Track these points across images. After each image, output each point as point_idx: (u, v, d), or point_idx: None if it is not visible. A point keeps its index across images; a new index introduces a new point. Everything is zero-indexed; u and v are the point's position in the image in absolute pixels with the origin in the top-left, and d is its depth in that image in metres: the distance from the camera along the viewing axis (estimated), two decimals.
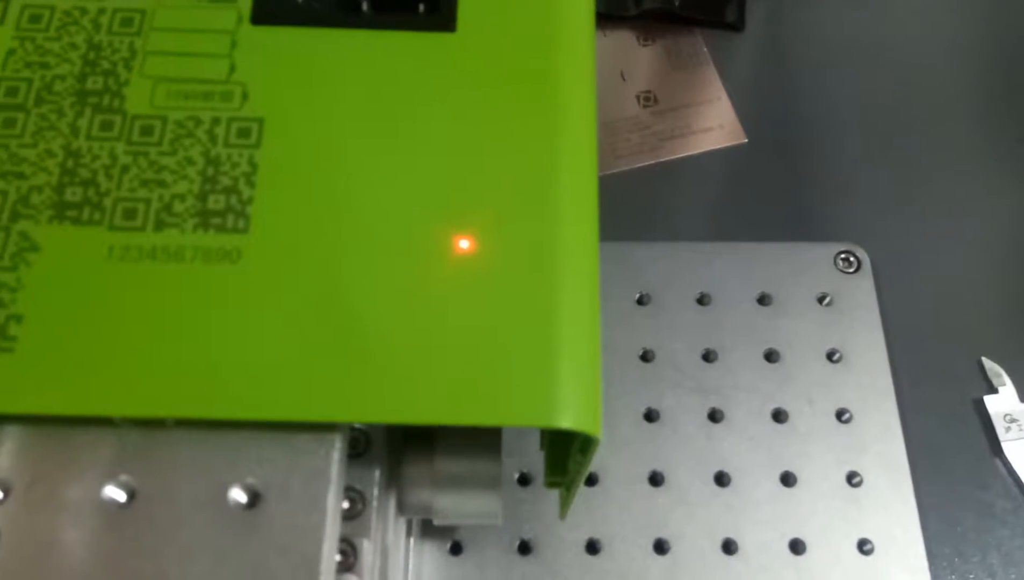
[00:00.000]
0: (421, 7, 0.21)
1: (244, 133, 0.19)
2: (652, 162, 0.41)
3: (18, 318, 0.18)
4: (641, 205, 0.40)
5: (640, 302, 0.36)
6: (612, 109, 0.43)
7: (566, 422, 0.17)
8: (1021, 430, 0.34)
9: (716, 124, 0.42)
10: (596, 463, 0.32)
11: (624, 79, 0.44)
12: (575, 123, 0.20)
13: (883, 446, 0.33)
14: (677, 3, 0.44)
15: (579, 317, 0.18)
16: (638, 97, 0.43)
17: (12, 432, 0.18)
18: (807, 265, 0.37)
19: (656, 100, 0.43)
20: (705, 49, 0.44)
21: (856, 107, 0.42)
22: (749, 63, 0.44)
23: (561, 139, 0.20)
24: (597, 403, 0.18)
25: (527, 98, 0.20)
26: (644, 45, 0.45)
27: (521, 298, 0.18)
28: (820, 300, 0.36)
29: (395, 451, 0.23)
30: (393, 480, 0.23)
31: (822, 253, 0.37)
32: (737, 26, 0.44)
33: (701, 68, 0.44)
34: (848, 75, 0.43)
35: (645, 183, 0.40)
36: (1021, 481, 0.33)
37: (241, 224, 0.18)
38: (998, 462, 0.34)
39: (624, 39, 0.45)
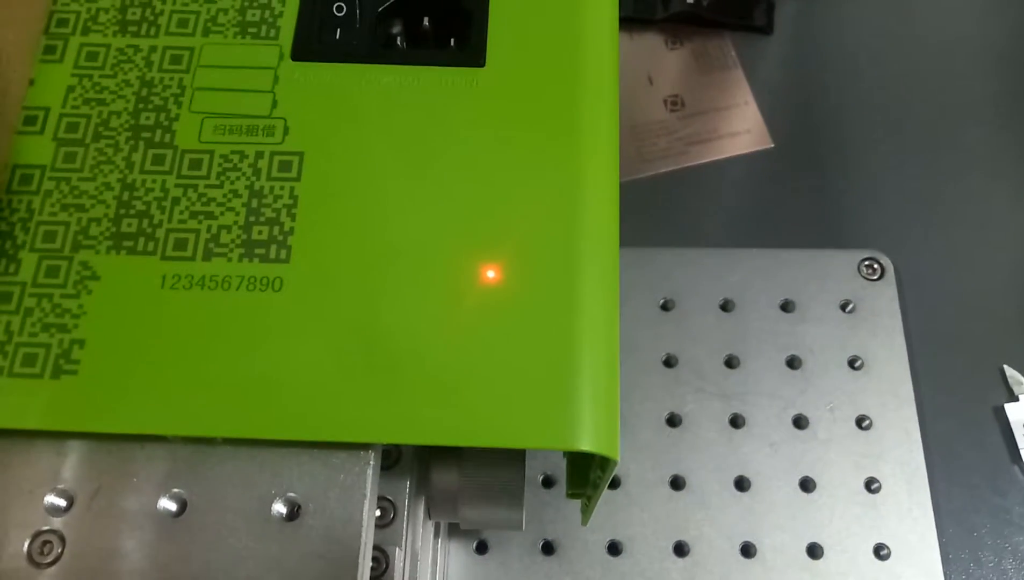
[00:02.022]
0: (452, 42, 0.22)
1: (285, 166, 0.21)
2: (678, 167, 0.42)
3: (81, 343, 0.19)
4: (667, 210, 0.41)
5: (664, 307, 0.37)
6: (639, 113, 0.43)
7: (585, 445, 0.18)
8: None
9: (743, 129, 0.43)
10: (618, 467, 0.33)
11: (651, 83, 0.44)
12: (598, 154, 0.21)
13: (902, 452, 0.34)
14: (705, 5, 0.44)
15: (599, 344, 0.19)
16: (665, 101, 0.44)
17: (76, 447, 0.19)
18: (831, 272, 0.38)
19: (683, 104, 0.44)
20: (733, 52, 0.45)
21: (882, 113, 0.42)
22: (777, 67, 0.44)
23: (585, 170, 0.21)
24: (615, 426, 0.19)
25: (553, 130, 0.21)
26: (672, 48, 0.45)
27: (544, 326, 0.19)
28: (843, 307, 0.37)
29: (424, 460, 0.24)
30: (422, 487, 0.24)
31: (846, 260, 0.38)
32: (766, 29, 0.45)
33: (729, 72, 0.44)
34: (875, 80, 0.43)
35: (671, 188, 0.41)
36: None
37: (283, 254, 0.20)
38: (1016, 469, 0.34)
39: (652, 42, 0.45)
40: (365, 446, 0.19)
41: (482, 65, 0.22)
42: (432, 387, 0.19)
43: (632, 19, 0.45)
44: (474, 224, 0.20)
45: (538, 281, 0.20)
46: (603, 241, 0.20)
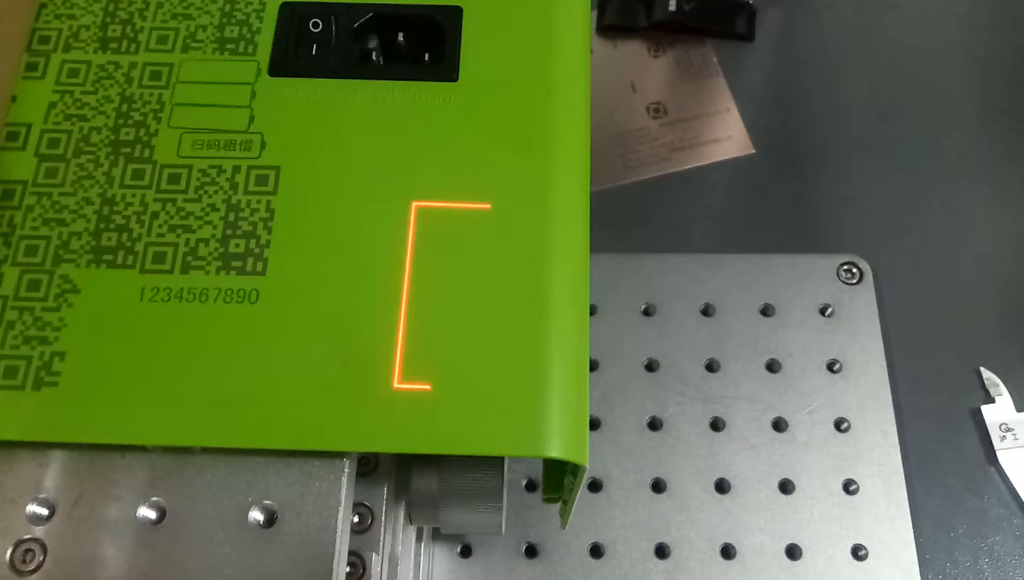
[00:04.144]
0: (426, 57, 0.23)
1: (262, 181, 0.21)
2: (661, 173, 0.42)
3: (61, 355, 0.20)
4: (649, 216, 0.41)
5: (646, 313, 0.37)
6: (622, 120, 0.44)
7: (554, 452, 0.19)
8: (1016, 439, 0.35)
9: (725, 135, 0.43)
10: (600, 470, 0.34)
11: (634, 90, 0.45)
12: (569, 166, 0.22)
13: (880, 454, 0.35)
14: (688, 13, 0.45)
15: (568, 354, 0.20)
16: (648, 108, 0.44)
17: (57, 457, 0.20)
18: (810, 276, 0.38)
19: (666, 111, 0.44)
20: (715, 60, 0.45)
21: (862, 119, 0.43)
22: (759, 74, 0.45)
23: (555, 182, 0.21)
24: (584, 433, 0.20)
25: (525, 143, 0.22)
26: (655, 56, 0.46)
27: (515, 337, 0.20)
28: (822, 311, 0.37)
29: (403, 465, 0.24)
30: (402, 493, 0.24)
31: (825, 264, 0.38)
32: (748, 37, 0.45)
33: (711, 79, 0.45)
34: (855, 87, 0.43)
35: (654, 194, 0.42)
36: (1015, 488, 0.34)
37: (259, 267, 0.20)
38: (993, 470, 0.35)
39: (635, 50, 0.46)
40: (340, 454, 0.20)
41: (455, 80, 0.22)
42: (407, 396, 0.19)
43: (615, 27, 0.46)
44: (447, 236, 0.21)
45: (510, 292, 0.20)
46: (573, 252, 0.21)
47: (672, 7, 0.45)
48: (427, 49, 0.23)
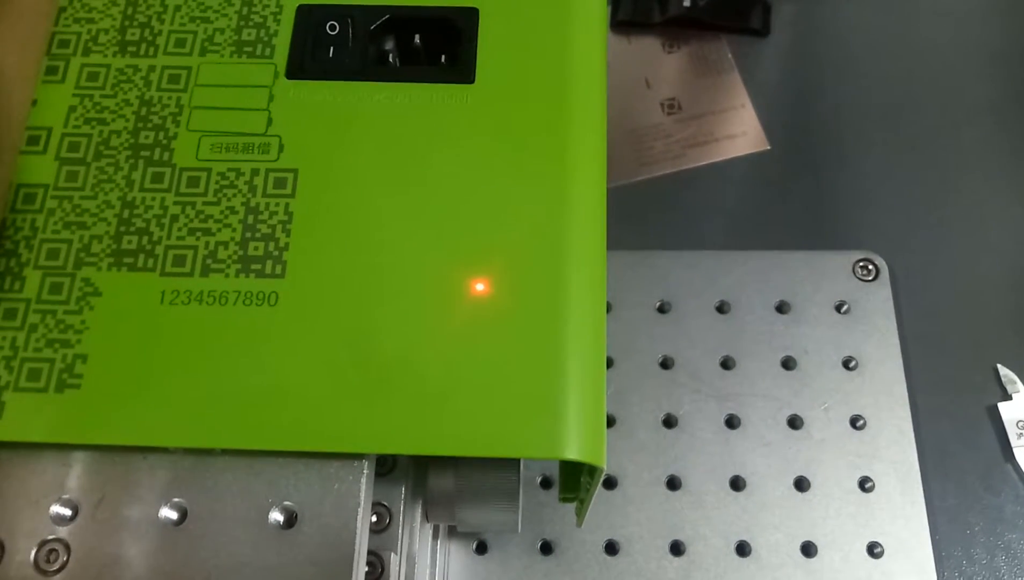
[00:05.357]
0: (443, 59, 0.23)
1: (280, 184, 0.21)
2: (676, 170, 0.42)
3: (84, 358, 0.20)
4: (664, 212, 0.41)
5: (661, 310, 0.37)
6: (636, 117, 0.44)
7: (572, 454, 0.19)
8: None
9: (739, 131, 0.43)
10: (615, 467, 0.34)
11: (649, 86, 0.45)
12: (586, 168, 0.22)
13: (896, 452, 0.34)
14: (702, 8, 0.45)
15: (586, 355, 0.20)
16: (662, 104, 0.44)
17: (80, 458, 0.20)
18: (826, 273, 0.38)
19: (680, 107, 0.44)
20: (730, 55, 0.45)
21: (878, 115, 0.42)
22: (774, 69, 0.45)
23: (572, 184, 0.21)
24: (601, 434, 0.20)
25: (542, 145, 0.22)
26: (669, 52, 0.45)
27: (532, 338, 0.20)
28: (838, 308, 0.37)
29: (421, 464, 0.24)
30: (419, 491, 0.25)
31: (841, 261, 0.38)
32: (762, 32, 0.45)
33: (725, 74, 0.45)
34: (871, 82, 0.43)
35: (668, 190, 0.41)
36: None
37: (278, 269, 0.20)
38: (1010, 467, 0.35)
39: (649, 46, 0.45)
40: (359, 456, 0.20)
41: (472, 82, 0.22)
42: (423, 398, 0.19)
43: (629, 23, 0.45)
44: (464, 238, 0.21)
45: (526, 294, 0.20)
46: (590, 254, 0.21)
47: (686, 2, 0.45)
48: (443, 51, 0.23)
